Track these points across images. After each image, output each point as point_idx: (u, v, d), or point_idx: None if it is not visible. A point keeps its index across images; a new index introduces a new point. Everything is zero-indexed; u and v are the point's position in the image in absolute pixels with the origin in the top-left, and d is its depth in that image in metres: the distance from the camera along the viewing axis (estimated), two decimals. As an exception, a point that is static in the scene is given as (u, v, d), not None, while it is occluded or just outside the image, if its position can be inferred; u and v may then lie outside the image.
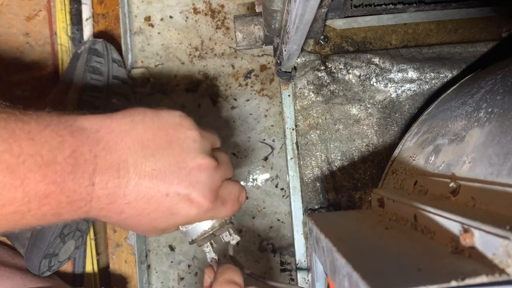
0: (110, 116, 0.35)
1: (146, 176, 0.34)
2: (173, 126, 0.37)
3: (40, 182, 0.30)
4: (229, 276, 0.41)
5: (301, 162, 0.65)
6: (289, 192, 0.65)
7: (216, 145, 0.41)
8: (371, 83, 0.64)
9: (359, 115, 0.65)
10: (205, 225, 0.43)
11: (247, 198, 0.45)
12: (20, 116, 0.30)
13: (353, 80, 0.64)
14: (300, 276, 0.66)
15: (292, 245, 0.73)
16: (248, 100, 0.77)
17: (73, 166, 0.31)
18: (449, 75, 0.63)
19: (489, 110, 0.37)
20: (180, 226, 0.42)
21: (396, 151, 0.53)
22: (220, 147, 0.42)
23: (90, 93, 0.63)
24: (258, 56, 0.78)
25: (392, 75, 0.64)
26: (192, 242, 0.44)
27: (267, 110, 0.77)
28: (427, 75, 0.63)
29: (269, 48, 0.76)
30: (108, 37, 0.76)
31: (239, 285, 0.41)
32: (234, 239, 0.45)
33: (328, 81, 0.65)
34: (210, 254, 0.45)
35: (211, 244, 0.45)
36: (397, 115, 0.64)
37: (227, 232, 0.45)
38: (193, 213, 0.37)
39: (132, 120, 0.36)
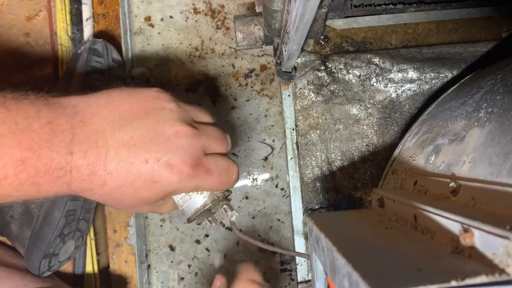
0: (88, 94, 0.36)
1: (124, 145, 0.34)
2: (150, 99, 0.37)
3: (15, 147, 0.30)
4: (250, 275, 0.42)
5: (301, 162, 0.65)
6: (289, 192, 0.65)
7: (199, 118, 0.41)
8: (371, 83, 0.64)
9: (359, 115, 0.65)
10: (196, 203, 0.42)
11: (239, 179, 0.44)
12: None
13: (353, 80, 0.64)
14: (300, 276, 0.66)
15: (292, 245, 0.73)
16: (248, 100, 0.77)
17: (49, 134, 0.31)
18: (449, 75, 0.63)
19: (489, 110, 0.37)
20: (176, 200, 0.42)
21: (396, 151, 0.53)
22: (214, 124, 0.42)
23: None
24: (258, 56, 0.78)
25: (392, 75, 0.64)
26: (189, 220, 0.43)
27: (267, 110, 0.77)
28: (427, 75, 0.63)
29: (269, 48, 0.76)
30: (108, 37, 0.76)
31: (260, 284, 0.41)
32: (232, 215, 0.44)
33: (328, 81, 0.65)
34: (206, 227, 0.44)
35: (209, 221, 0.44)
36: (397, 115, 0.64)
37: (223, 209, 0.45)
38: (175, 179, 0.36)
39: (109, 95, 0.36)
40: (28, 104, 0.32)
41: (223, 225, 0.46)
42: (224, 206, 0.45)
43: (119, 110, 0.35)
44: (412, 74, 0.63)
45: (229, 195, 0.45)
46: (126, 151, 0.34)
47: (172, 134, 0.36)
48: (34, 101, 0.32)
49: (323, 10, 0.51)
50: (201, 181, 0.38)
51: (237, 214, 0.45)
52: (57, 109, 0.33)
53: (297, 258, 0.66)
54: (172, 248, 0.76)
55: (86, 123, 0.33)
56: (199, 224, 0.44)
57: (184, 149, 0.36)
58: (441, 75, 0.63)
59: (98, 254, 0.73)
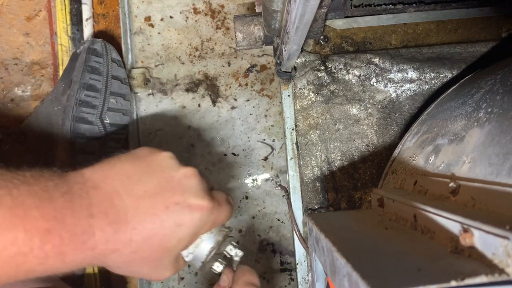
0: (91, 166, 0.37)
1: (141, 199, 0.35)
2: (146, 154, 0.39)
3: (40, 219, 0.30)
4: (248, 278, 0.43)
5: (301, 162, 0.65)
6: (289, 192, 0.65)
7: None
8: (371, 83, 0.64)
9: (359, 115, 0.65)
10: (209, 243, 0.42)
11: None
12: (14, 171, 0.32)
13: (353, 80, 0.64)
14: (300, 276, 0.66)
15: (292, 245, 0.73)
16: (248, 100, 0.77)
17: (69, 202, 0.32)
18: (449, 75, 0.63)
19: (489, 110, 0.37)
20: (185, 256, 0.42)
21: (396, 151, 0.53)
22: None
23: (88, 93, 0.63)
24: (258, 56, 0.78)
25: (392, 75, 0.64)
26: (203, 265, 0.42)
27: (267, 110, 0.77)
28: (427, 75, 0.63)
29: (269, 48, 0.76)
30: (108, 37, 0.76)
31: (256, 286, 0.42)
32: (237, 255, 0.45)
33: (328, 81, 0.65)
34: (220, 268, 0.44)
35: (219, 262, 0.45)
36: (397, 115, 0.64)
37: (231, 246, 0.45)
38: (197, 217, 0.37)
39: (109, 161, 0.38)
40: (45, 180, 0.33)
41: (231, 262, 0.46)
42: (232, 242, 0.45)
43: (124, 171, 0.37)
44: (412, 74, 0.63)
45: (231, 231, 0.46)
46: (144, 204, 0.35)
47: (181, 176, 0.38)
48: (50, 177, 0.33)
49: (323, 10, 0.51)
50: (217, 213, 0.40)
51: (242, 253, 0.46)
52: (70, 180, 0.34)
53: (297, 258, 0.66)
54: (172, 248, 0.76)
55: (98, 187, 0.34)
56: (210, 268, 0.44)
57: (197, 187, 0.38)
58: (441, 75, 0.63)
59: (98, 254, 0.73)
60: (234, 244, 0.46)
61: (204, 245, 0.42)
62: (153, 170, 0.38)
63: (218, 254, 0.44)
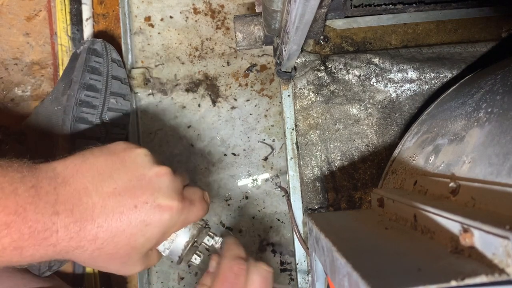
0: (63, 158, 0.37)
1: (110, 196, 0.35)
2: (121, 150, 0.39)
3: (0, 212, 0.30)
4: (234, 252, 0.43)
5: (301, 162, 0.65)
6: (289, 192, 0.65)
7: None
8: (371, 83, 0.64)
9: (359, 115, 0.65)
10: (184, 238, 0.42)
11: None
12: None
13: (353, 80, 0.64)
14: (300, 276, 0.66)
15: (292, 245, 0.73)
16: (248, 100, 0.77)
17: (34, 197, 0.32)
18: (449, 75, 0.63)
19: (489, 110, 0.37)
20: (161, 249, 0.42)
21: (396, 151, 0.53)
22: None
23: (89, 93, 0.63)
24: (258, 56, 0.78)
25: (392, 75, 0.64)
26: (180, 260, 0.43)
27: (267, 110, 0.77)
28: (427, 75, 0.63)
29: (269, 48, 0.76)
30: (108, 37, 0.76)
31: (244, 259, 0.42)
32: (217, 242, 0.46)
33: (328, 81, 0.65)
34: (198, 260, 0.45)
35: (197, 255, 0.45)
36: (397, 115, 0.64)
37: (207, 237, 0.45)
38: (166, 217, 0.37)
39: (82, 155, 0.37)
40: (13, 171, 0.32)
41: (208, 250, 0.47)
42: (209, 233, 0.46)
43: (96, 166, 0.36)
44: (412, 74, 0.63)
45: (207, 224, 0.46)
46: (112, 202, 0.35)
47: (153, 175, 0.38)
48: (18, 168, 0.33)
49: (323, 10, 0.51)
50: (188, 213, 0.39)
51: (221, 239, 0.46)
52: (39, 174, 0.34)
53: (297, 258, 0.66)
54: (172, 248, 0.76)
55: (67, 183, 0.34)
56: (187, 263, 0.44)
57: (168, 187, 0.38)
58: (441, 75, 0.63)
59: (98, 254, 0.73)
60: (211, 234, 0.46)
61: (180, 240, 0.42)
62: (126, 167, 0.37)
63: (196, 247, 0.45)
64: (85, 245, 0.34)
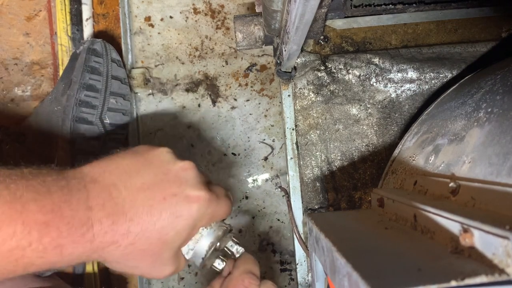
0: (89, 163, 0.38)
1: (139, 191, 0.36)
2: (145, 150, 0.40)
3: (38, 212, 0.30)
4: (249, 267, 0.43)
5: (301, 162, 0.65)
6: (289, 192, 0.65)
7: None
8: (371, 83, 0.64)
9: (359, 115, 0.65)
10: (209, 238, 0.41)
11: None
12: (12, 167, 0.33)
13: (353, 80, 0.64)
14: (300, 276, 0.66)
15: (292, 245, 0.73)
16: (248, 100, 0.77)
17: (67, 195, 0.32)
18: (449, 75, 0.63)
19: (489, 110, 0.37)
20: (185, 253, 0.41)
21: (396, 151, 0.53)
22: None
23: (88, 93, 0.63)
24: (258, 56, 0.78)
25: (392, 75, 0.64)
26: (203, 262, 0.42)
27: (267, 110, 0.77)
28: (427, 75, 0.63)
29: (269, 48, 0.76)
30: (108, 37, 0.76)
31: (256, 276, 0.42)
32: (238, 251, 0.45)
33: (328, 81, 0.65)
34: (221, 265, 0.44)
35: (220, 259, 0.44)
36: (396, 115, 0.64)
37: (231, 242, 0.45)
38: (195, 208, 0.37)
39: (108, 157, 0.38)
40: (43, 175, 0.33)
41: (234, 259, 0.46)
42: (232, 238, 0.45)
43: (122, 165, 0.37)
44: (412, 74, 0.63)
45: (232, 228, 0.46)
46: (141, 196, 0.36)
47: (179, 169, 0.39)
48: (48, 172, 0.34)
49: (323, 10, 0.51)
50: (216, 206, 0.40)
51: (243, 249, 0.45)
52: (68, 175, 0.35)
53: (297, 258, 0.66)
54: (172, 248, 0.76)
55: (96, 181, 0.35)
56: (211, 266, 0.44)
57: (194, 179, 0.39)
58: (441, 75, 0.63)
59: (98, 254, 0.73)
60: (235, 240, 0.45)
61: (204, 240, 0.41)
62: (151, 164, 0.38)
63: (219, 251, 0.44)
64: (119, 240, 0.34)
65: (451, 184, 0.35)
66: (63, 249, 0.32)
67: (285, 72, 0.63)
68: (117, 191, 0.35)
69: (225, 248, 0.45)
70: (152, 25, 0.77)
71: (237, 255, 0.45)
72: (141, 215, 0.35)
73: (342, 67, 0.64)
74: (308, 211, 0.65)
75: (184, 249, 0.41)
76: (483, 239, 0.24)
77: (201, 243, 0.41)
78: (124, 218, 0.34)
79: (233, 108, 0.77)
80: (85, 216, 0.32)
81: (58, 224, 0.31)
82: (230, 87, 0.77)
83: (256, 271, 0.43)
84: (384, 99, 0.64)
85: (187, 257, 0.42)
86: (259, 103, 0.77)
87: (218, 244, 0.43)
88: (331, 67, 0.64)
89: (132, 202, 0.35)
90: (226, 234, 0.44)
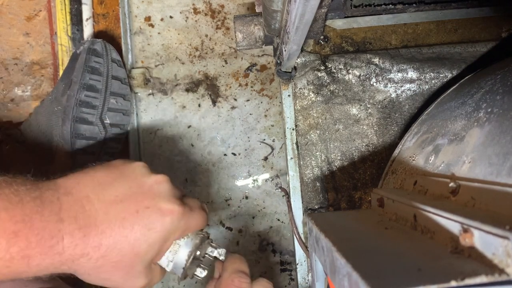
0: (64, 175, 0.38)
1: (111, 203, 0.36)
2: (120, 164, 0.40)
3: (8, 221, 0.31)
4: (237, 266, 0.43)
5: (301, 162, 0.65)
6: (289, 192, 0.65)
7: None
8: (371, 83, 0.64)
9: (359, 115, 0.65)
10: (187, 248, 0.42)
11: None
12: None
13: (353, 80, 0.64)
14: (300, 276, 0.66)
15: (292, 245, 0.73)
16: (248, 100, 0.77)
17: (39, 206, 0.32)
18: (449, 75, 0.63)
19: (489, 110, 0.37)
20: (165, 263, 0.41)
21: (396, 151, 0.53)
22: None
23: (89, 94, 0.63)
24: (258, 56, 0.78)
25: (392, 75, 0.64)
26: (184, 272, 0.42)
27: (267, 110, 0.77)
28: (427, 75, 0.63)
29: (269, 48, 0.76)
30: (108, 37, 0.76)
31: (246, 274, 0.43)
32: (221, 254, 0.45)
33: (328, 81, 0.65)
34: (203, 274, 0.44)
35: (201, 267, 0.44)
36: (397, 115, 0.64)
37: (210, 248, 0.45)
38: (168, 221, 0.38)
39: (83, 170, 0.39)
40: (18, 184, 0.33)
41: (215, 258, 0.46)
42: (211, 244, 0.45)
43: (96, 178, 0.38)
44: (412, 74, 0.63)
45: (209, 235, 0.46)
46: (114, 209, 0.36)
47: (153, 182, 0.39)
48: (23, 182, 0.34)
49: (323, 10, 0.51)
50: (189, 218, 0.40)
51: (225, 250, 0.45)
52: (42, 186, 0.35)
53: (297, 258, 0.66)
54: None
55: (70, 193, 0.35)
56: (192, 277, 0.44)
57: (167, 192, 0.39)
58: (441, 75, 0.63)
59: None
60: (214, 245, 0.45)
61: (182, 251, 0.41)
62: (125, 177, 0.39)
63: (199, 259, 0.44)
64: (90, 253, 0.34)
65: (451, 184, 0.35)
66: (30, 260, 0.32)
67: (285, 72, 0.63)
68: (90, 204, 0.35)
69: (206, 255, 0.45)
70: (152, 25, 0.77)
71: (221, 258, 0.45)
72: (113, 228, 0.35)
73: (342, 67, 0.64)
74: (308, 211, 0.65)
75: (163, 262, 0.41)
76: (483, 239, 0.24)
77: (180, 253, 0.41)
78: (96, 231, 0.34)
79: (233, 108, 0.77)
80: (55, 228, 0.32)
81: (28, 235, 0.31)
82: (230, 87, 0.77)
83: (245, 269, 0.43)
84: (384, 99, 0.64)
85: (168, 269, 0.42)
86: (259, 103, 0.77)
87: (198, 252, 0.43)
88: (331, 67, 0.64)
89: (105, 214, 0.35)
90: (204, 241, 0.44)
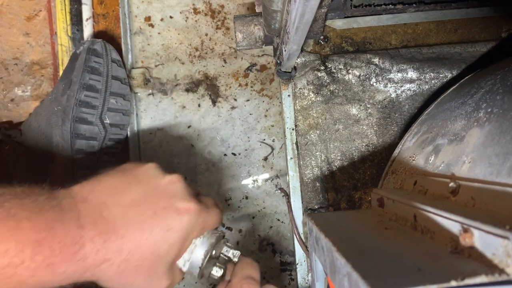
0: (79, 183, 0.38)
1: (129, 207, 0.36)
2: (131, 167, 0.41)
3: (31, 230, 0.31)
4: (247, 272, 0.43)
5: (301, 162, 0.65)
6: (289, 192, 0.65)
7: None
8: (371, 83, 0.64)
9: (359, 115, 0.65)
10: (203, 247, 0.42)
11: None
12: (4, 186, 0.33)
13: (353, 80, 0.64)
14: (300, 276, 0.66)
15: (292, 245, 0.73)
16: (248, 100, 0.77)
17: (59, 214, 0.33)
18: (449, 75, 0.63)
19: (489, 110, 0.37)
20: (182, 265, 0.41)
21: (396, 151, 0.53)
22: None
23: (88, 94, 0.63)
24: (258, 56, 0.78)
25: (391, 75, 0.64)
26: (201, 272, 0.42)
27: (267, 110, 0.77)
28: (427, 75, 0.63)
29: (269, 48, 0.76)
30: (108, 37, 0.76)
31: (256, 281, 0.42)
32: (234, 256, 0.45)
33: (328, 81, 0.65)
34: (219, 273, 0.44)
35: (218, 266, 0.44)
36: (396, 115, 0.64)
37: (226, 247, 0.45)
38: (185, 220, 0.38)
39: (96, 177, 0.39)
40: (36, 194, 0.33)
41: (229, 259, 0.46)
42: (226, 243, 0.45)
43: (110, 184, 0.38)
44: (411, 74, 0.63)
45: (224, 234, 0.46)
46: (132, 212, 0.36)
47: (167, 183, 0.39)
48: (40, 191, 0.34)
49: (323, 10, 0.51)
50: (206, 216, 0.40)
51: (239, 253, 0.45)
52: (59, 195, 0.35)
53: (297, 258, 0.66)
54: (172, 248, 0.76)
55: (86, 200, 0.35)
56: (209, 276, 0.44)
57: (182, 191, 0.39)
58: (441, 75, 0.63)
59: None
60: (229, 245, 0.45)
61: (199, 250, 0.41)
62: (139, 180, 0.39)
63: (215, 258, 0.44)
64: (112, 258, 0.34)
65: (451, 184, 0.35)
66: (55, 268, 0.32)
67: (285, 72, 0.63)
68: (107, 210, 0.35)
69: (221, 255, 0.45)
70: (152, 25, 0.77)
71: (235, 259, 0.45)
72: (132, 231, 0.35)
73: (342, 67, 0.64)
74: (308, 211, 0.65)
75: (180, 262, 0.41)
76: (483, 239, 0.24)
77: (196, 253, 0.41)
78: (116, 236, 0.34)
79: (233, 108, 0.77)
80: (77, 235, 0.33)
81: (51, 243, 0.31)
82: (230, 87, 0.77)
83: (255, 275, 0.43)
84: (384, 99, 0.64)
85: (184, 269, 0.42)
86: (259, 103, 0.77)
87: (213, 252, 0.43)
88: (331, 67, 0.64)
89: (123, 219, 0.35)
90: (220, 241, 0.44)
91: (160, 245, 0.36)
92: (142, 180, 0.39)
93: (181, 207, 0.38)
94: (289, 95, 0.65)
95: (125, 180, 0.38)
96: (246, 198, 0.76)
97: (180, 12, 0.77)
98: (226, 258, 0.45)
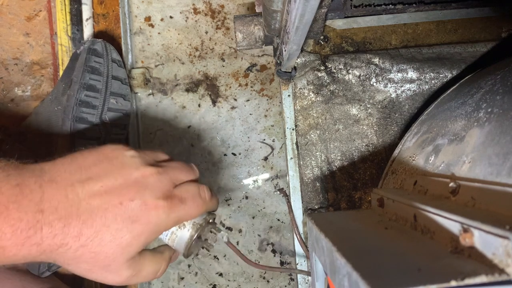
0: (53, 159, 0.37)
1: (95, 194, 0.35)
2: (110, 151, 0.39)
3: None
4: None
5: (301, 162, 0.65)
6: (289, 192, 0.65)
7: (160, 158, 0.43)
8: (371, 83, 0.64)
9: (359, 115, 0.65)
10: (184, 236, 0.42)
11: (214, 196, 0.45)
12: None
13: (353, 80, 0.64)
14: (300, 276, 0.66)
15: (292, 245, 0.73)
16: (248, 100, 0.77)
17: (17, 196, 0.32)
18: (449, 75, 0.63)
19: (489, 110, 0.37)
20: (167, 243, 0.42)
21: (396, 151, 0.53)
22: (173, 159, 0.45)
23: (89, 94, 0.63)
24: (258, 56, 0.78)
25: (392, 75, 0.64)
26: (185, 255, 0.43)
27: (267, 110, 0.77)
28: (427, 75, 0.63)
29: (269, 48, 0.76)
30: (108, 37, 0.76)
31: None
32: (223, 236, 0.46)
33: (328, 81, 0.65)
34: (203, 253, 0.45)
35: (205, 248, 0.45)
36: (396, 115, 0.64)
37: (211, 233, 0.45)
38: (153, 215, 0.37)
39: (72, 155, 0.38)
40: None
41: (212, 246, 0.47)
42: (211, 230, 0.46)
43: (84, 165, 0.37)
44: (411, 74, 0.63)
45: (212, 219, 0.46)
46: (98, 199, 0.35)
47: (139, 175, 0.38)
48: (4, 167, 0.33)
49: (323, 10, 0.51)
50: (179, 211, 0.39)
51: (227, 234, 0.46)
52: (25, 173, 0.34)
53: (297, 258, 0.66)
54: (172, 248, 0.76)
55: (54, 181, 0.34)
56: (197, 255, 0.45)
57: (154, 186, 0.38)
58: (441, 75, 0.63)
59: (98, 254, 0.72)
60: (214, 231, 0.45)
61: (181, 239, 0.42)
62: (113, 166, 0.38)
63: (202, 241, 0.45)
64: (69, 242, 0.34)
65: (451, 184, 0.35)
66: (5, 250, 0.31)
67: (285, 72, 0.63)
68: (73, 193, 0.34)
69: (207, 241, 0.46)
70: (152, 25, 0.77)
71: (225, 240, 0.46)
72: (95, 218, 0.34)
73: (342, 67, 0.64)
74: (308, 211, 0.65)
75: (164, 234, 0.42)
76: (483, 239, 0.24)
77: (177, 241, 0.42)
78: (77, 221, 0.34)
79: (233, 108, 0.77)
80: (34, 219, 0.32)
81: (2, 226, 0.31)
82: (230, 87, 0.77)
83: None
84: (384, 99, 0.64)
85: (169, 243, 0.43)
86: (259, 103, 0.77)
87: (194, 238, 0.43)
88: (331, 67, 0.64)
89: (87, 204, 0.35)
90: (204, 229, 0.44)
91: (122, 235, 0.36)
92: (116, 167, 0.38)
93: (149, 203, 0.37)
94: (289, 95, 0.65)
95: (99, 164, 0.37)
96: (246, 198, 0.76)
97: (180, 12, 0.77)
98: (213, 243, 0.46)
